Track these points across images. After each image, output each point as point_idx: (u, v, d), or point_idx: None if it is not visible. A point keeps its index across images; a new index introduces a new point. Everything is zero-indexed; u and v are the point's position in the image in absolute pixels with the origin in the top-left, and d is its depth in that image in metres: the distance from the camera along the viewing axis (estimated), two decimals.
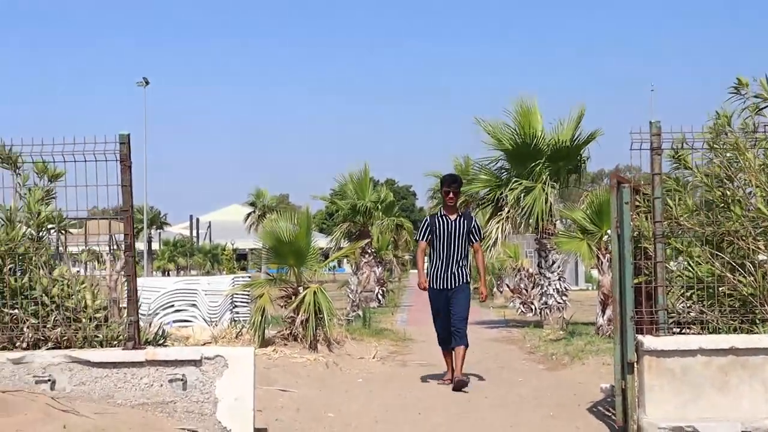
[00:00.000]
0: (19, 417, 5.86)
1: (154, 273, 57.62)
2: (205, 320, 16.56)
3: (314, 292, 12.55)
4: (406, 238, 36.59)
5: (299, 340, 12.39)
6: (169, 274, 59.29)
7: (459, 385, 9.27)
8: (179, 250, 68.81)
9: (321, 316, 12.44)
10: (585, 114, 17.88)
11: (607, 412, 7.72)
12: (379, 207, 29.17)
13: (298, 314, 12.50)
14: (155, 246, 67.26)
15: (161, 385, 6.45)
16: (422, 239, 9.94)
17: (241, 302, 17.95)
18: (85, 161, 6.55)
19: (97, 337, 6.75)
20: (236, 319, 16.58)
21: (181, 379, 6.43)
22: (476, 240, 9.95)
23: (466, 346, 9.65)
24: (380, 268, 29.14)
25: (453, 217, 9.76)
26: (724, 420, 6.34)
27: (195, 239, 72.13)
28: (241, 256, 64.83)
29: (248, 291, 17.24)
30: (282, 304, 13.06)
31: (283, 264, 13.54)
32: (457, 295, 9.65)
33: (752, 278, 6.97)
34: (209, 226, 78.02)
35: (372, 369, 11.39)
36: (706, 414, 6.40)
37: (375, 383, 10.03)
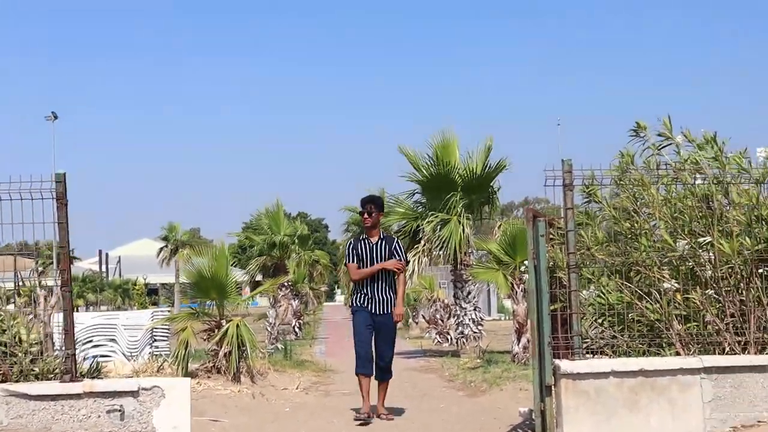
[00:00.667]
0: None
1: None
2: (124, 355, 16.54)
3: (237, 325, 12.71)
4: (320, 271, 36.87)
5: (222, 372, 12.51)
6: (78, 310, 58.12)
7: (383, 418, 9.28)
8: (88, 286, 67.67)
9: (244, 348, 12.61)
10: (493, 145, 18.44)
11: None
12: (295, 241, 29.41)
13: (221, 347, 12.63)
14: None
15: (99, 416, 6.60)
16: (351, 261, 9.47)
17: (161, 337, 17.95)
18: (21, 199, 6.70)
19: (33, 370, 6.88)
20: (156, 353, 16.60)
21: (119, 410, 6.60)
22: (399, 260, 9.47)
23: (390, 378, 9.58)
24: (297, 301, 29.29)
25: (374, 240, 9.46)
26: None
27: (104, 274, 71.09)
28: (152, 291, 64.10)
29: (167, 325, 17.33)
30: (205, 337, 13.17)
31: (205, 298, 13.67)
32: (385, 328, 9.39)
33: (658, 305, 7.48)
34: (119, 261, 76.95)
35: (297, 399, 11.61)
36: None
37: (302, 412, 10.25)
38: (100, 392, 6.65)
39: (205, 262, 13.08)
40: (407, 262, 10.84)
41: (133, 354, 16.60)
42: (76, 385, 6.65)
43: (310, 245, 34.77)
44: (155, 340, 17.78)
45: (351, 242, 9.84)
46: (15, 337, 6.98)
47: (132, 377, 9.45)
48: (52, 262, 54.27)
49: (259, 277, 28.17)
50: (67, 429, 6.56)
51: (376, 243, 9.45)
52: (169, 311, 21.74)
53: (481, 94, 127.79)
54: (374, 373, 9.36)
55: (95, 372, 7.43)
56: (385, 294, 9.35)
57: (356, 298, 9.47)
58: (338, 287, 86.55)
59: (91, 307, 65.80)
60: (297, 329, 28.60)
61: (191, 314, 13.77)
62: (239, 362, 12.49)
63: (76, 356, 6.88)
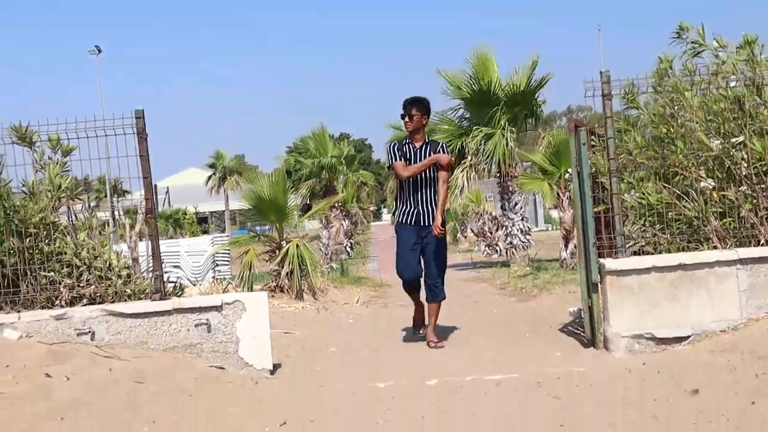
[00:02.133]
0: (69, 364, 6.71)
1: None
2: (189, 280, 17.40)
3: (297, 246, 13.43)
4: (368, 191, 37.59)
5: (286, 291, 13.28)
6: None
7: (432, 345, 8.52)
8: (131, 216, 69.13)
9: (304, 267, 13.33)
10: (539, 62, 18.79)
11: (576, 330, 8.74)
12: (342, 162, 30.05)
13: (282, 267, 13.38)
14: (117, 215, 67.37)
15: (188, 330, 7.32)
16: (398, 161, 8.54)
17: (222, 261, 18.84)
18: (106, 136, 7.35)
19: (126, 291, 7.58)
20: (218, 277, 17.45)
21: (206, 324, 7.30)
22: (442, 168, 8.57)
23: (443, 299, 8.80)
24: (347, 221, 30.06)
25: (419, 144, 8.61)
26: (676, 326, 7.36)
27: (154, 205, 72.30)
28: (201, 219, 65.35)
29: (228, 250, 18.15)
30: (266, 258, 13.91)
31: (265, 221, 14.40)
32: (433, 242, 8.52)
33: (696, 203, 7.96)
34: (167, 191, 78.26)
35: (358, 312, 12.35)
36: (662, 322, 7.42)
37: (365, 322, 10.99)
38: (188, 308, 7.36)
39: (264, 186, 13.74)
40: (451, 169, 9.91)
41: (197, 278, 17.47)
42: (166, 303, 7.36)
43: (356, 166, 35.39)
44: (217, 265, 18.67)
45: (395, 143, 8.80)
46: (107, 263, 7.67)
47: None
48: (105, 195, 55.76)
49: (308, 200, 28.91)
50: (161, 342, 7.29)
51: (421, 147, 8.58)
52: (228, 237, 22.54)
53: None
54: (426, 295, 8.81)
55: (179, 291, 8.14)
56: (433, 204, 8.49)
57: (401, 210, 8.61)
58: (384, 206, 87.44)
59: (143, 239, 67.52)
60: (349, 249, 29.45)
61: (253, 237, 14.52)
62: (301, 280, 13.22)
63: (164, 276, 7.57)
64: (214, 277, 17.52)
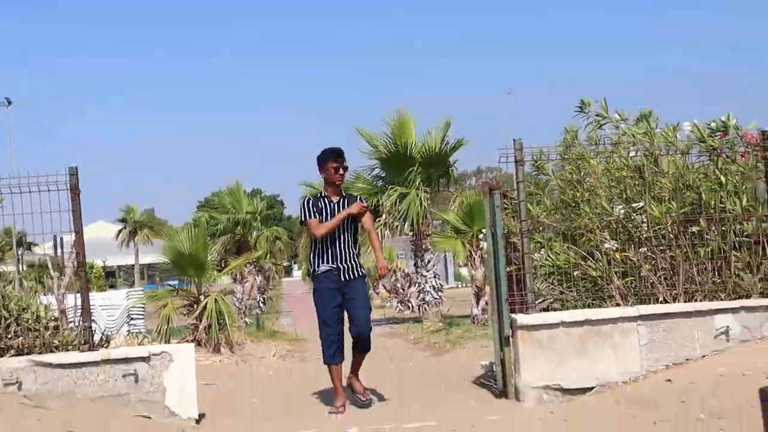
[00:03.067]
0: None
1: None
2: (103, 333, 17.33)
3: (215, 300, 13.63)
4: (280, 247, 37.75)
5: (203, 344, 13.42)
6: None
7: (366, 405, 8.22)
8: (46, 271, 67.82)
9: (222, 321, 13.53)
10: (451, 124, 19.46)
11: (488, 382, 9.17)
12: (257, 218, 30.22)
13: (200, 321, 13.55)
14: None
15: (116, 380, 7.50)
16: (311, 217, 7.99)
17: (137, 315, 18.79)
18: (39, 191, 7.55)
19: (54, 343, 7.73)
20: (133, 331, 17.43)
21: (133, 374, 7.50)
22: (359, 217, 8.16)
23: (369, 350, 8.36)
24: (261, 277, 30.15)
25: (336, 199, 8.09)
26: (583, 378, 7.86)
27: (60, 259, 71.08)
28: (109, 273, 64.37)
29: (143, 304, 18.16)
30: (184, 312, 14.05)
31: (184, 275, 14.54)
32: (356, 292, 8.02)
33: (600, 263, 8.54)
34: (73, 245, 76.71)
35: (276, 365, 12.59)
36: (570, 374, 7.90)
37: (283, 375, 11.25)
38: (116, 359, 7.54)
39: (184, 241, 13.92)
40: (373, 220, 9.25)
41: (111, 332, 17.40)
42: (94, 354, 7.54)
43: (269, 222, 35.59)
44: (132, 319, 18.62)
45: (309, 199, 8.17)
46: (34, 315, 7.82)
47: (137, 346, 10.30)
48: (10, 248, 54.62)
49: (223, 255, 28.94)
50: (89, 392, 7.44)
51: (338, 202, 8.08)
52: (141, 291, 22.48)
53: (435, 65, 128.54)
54: (354, 347, 8.28)
55: (105, 343, 8.31)
56: (352, 257, 8.04)
57: (318, 264, 8.00)
58: (295, 262, 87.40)
59: (48, 293, 66.22)
60: (262, 304, 29.48)
61: (171, 291, 14.64)
62: (219, 334, 13.40)
63: (92, 328, 7.75)
64: (129, 331, 17.47)
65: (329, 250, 8.02)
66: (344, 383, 8.31)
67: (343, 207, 8.08)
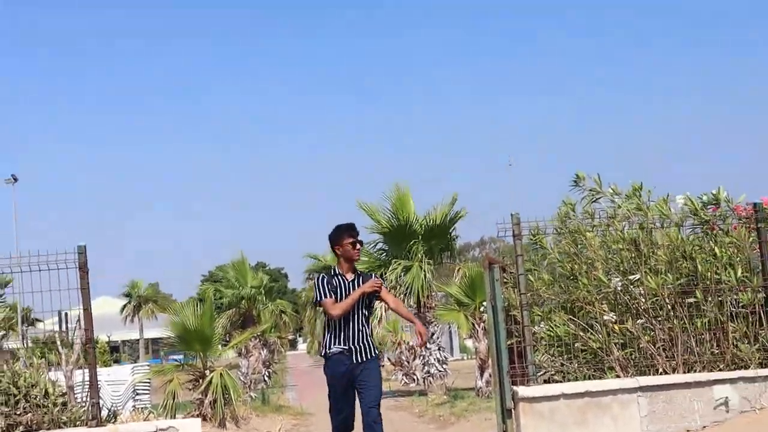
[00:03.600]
0: None
1: None
2: (108, 409, 17.38)
3: (221, 374, 13.75)
4: (285, 320, 37.83)
5: (209, 419, 13.51)
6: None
7: None
8: (50, 347, 67.76)
9: (227, 396, 13.62)
10: (457, 199, 19.77)
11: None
12: (262, 292, 30.42)
13: (206, 395, 13.65)
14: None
15: None
16: (326, 297, 7.51)
17: (143, 390, 18.84)
18: (48, 270, 7.77)
19: (62, 419, 7.86)
20: (138, 406, 17.48)
21: None
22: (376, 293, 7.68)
23: None
24: (266, 351, 30.20)
25: (351, 277, 7.62)
26: None
27: (65, 335, 71.02)
28: (113, 349, 64.27)
29: (149, 379, 18.25)
30: (190, 387, 14.15)
31: (189, 350, 14.66)
32: (370, 373, 7.50)
33: (599, 335, 8.69)
34: (78, 320, 76.75)
35: None
36: None
37: None
38: None
39: (190, 316, 14.09)
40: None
41: (116, 408, 17.45)
42: (103, 430, 7.67)
43: (274, 295, 35.76)
44: (137, 394, 18.67)
45: (323, 277, 7.71)
46: (43, 391, 7.97)
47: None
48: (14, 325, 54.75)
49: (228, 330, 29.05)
50: None
51: (353, 280, 7.61)
52: (147, 366, 22.55)
53: (430, 131, 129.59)
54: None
55: (113, 418, 8.43)
56: (365, 337, 7.56)
57: (330, 345, 7.55)
58: (300, 336, 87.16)
59: (51, 368, 66.07)
60: (267, 378, 29.48)
61: (176, 366, 14.77)
62: (224, 409, 13.49)
63: (99, 404, 7.89)
64: (134, 406, 17.51)
65: (342, 331, 7.51)
66: None
67: (359, 285, 7.56)
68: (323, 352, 7.63)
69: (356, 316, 7.54)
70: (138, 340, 63.33)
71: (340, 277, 7.62)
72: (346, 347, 7.48)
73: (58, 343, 9.09)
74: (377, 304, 17.42)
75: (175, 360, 16.78)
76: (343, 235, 7.70)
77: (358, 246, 7.72)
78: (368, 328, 7.68)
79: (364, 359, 7.49)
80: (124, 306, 62.10)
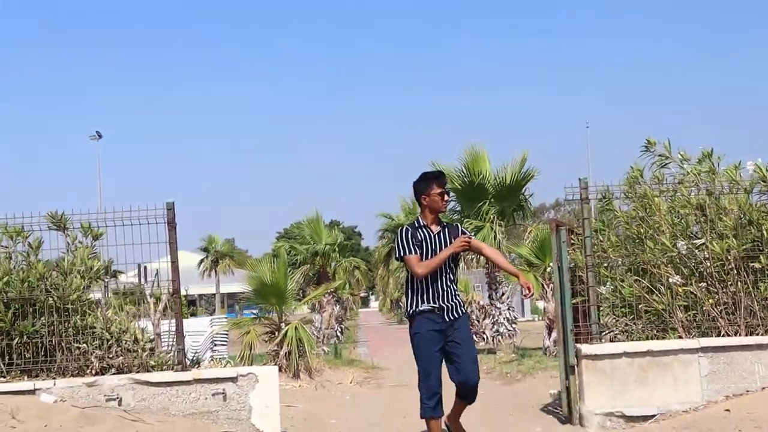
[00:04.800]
0: (100, 426, 7.52)
1: None
2: (193, 356, 18.15)
3: (295, 328, 14.27)
4: (358, 278, 38.46)
5: (283, 370, 14.03)
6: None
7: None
8: (130, 298, 69.77)
9: (302, 348, 14.15)
10: (528, 158, 19.86)
11: (555, 410, 9.56)
12: (336, 249, 30.97)
13: (281, 348, 14.19)
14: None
15: (206, 398, 8.14)
16: (411, 253, 6.92)
17: (221, 342, 19.57)
18: (140, 224, 8.30)
19: (150, 363, 8.43)
20: (216, 357, 18.18)
21: (222, 393, 8.13)
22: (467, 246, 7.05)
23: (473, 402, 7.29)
24: (339, 307, 30.82)
25: (436, 229, 7.04)
26: (644, 406, 8.23)
27: (148, 286, 72.97)
28: (190, 302, 65.88)
29: (227, 331, 18.94)
30: (266, 339, 14.71)
31: (266, 303, 15.23)
32: (461, 334, 6.97)
33: (664, 297, 8.91)
34: (157, 273, 78.75)
35: (353, 391, 13.13)
36: (631, 402, 8.28)
37: (360, 399, 11.79)
38: (206, 379, 8.21)
39: (267, 272, 14.63)
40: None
41: (196, 357, 18.18)
42: (187, 374, 8.21)
43: (347, 253, 36.33)
44: (215, 345, 19.39)
45: (407, 229, 7.06)
46: (132, 337, 8.54)
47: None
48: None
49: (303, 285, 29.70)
50: (181, 409, 8.10)
51: (439, 233, 7.03)
52: (226, 319, 23.30)
53: (515, 96, 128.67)
54: (457, 395, 7.24)
55: (196, 364, 8.98)
56: (454, 294, 7.03)
57: (417, 304, 6.96)
58: (372, 293, 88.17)
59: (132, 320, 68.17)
60: (339, 333, 30.11)
61: (254, 319, 15.35)
62: (298, 360, 14.01)
63: (185, 350, 8.43)
64: (212, 357, 18.21)
65: (430, 289, 6.91)
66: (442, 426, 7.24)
67: (445, 237, 6.98)
68: (410, 311, 6.99)
69: (444, 272, 6.94)
70: (214, 294, 64.78)
71: (425, 229, 7.02)
72: (436, 305, 6.90)
73: (147, 293, 9.62)
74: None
75: (251, 314, 17.34)
76: (431, 184, 7.10)
77: (446, 197, 7.08)
78: (456, 285, 7.10)
79: (456, 317, 6.93)
80: (201, 260, 63.47)
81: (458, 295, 7.10)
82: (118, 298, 9.06)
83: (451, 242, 6.95)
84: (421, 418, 7.12)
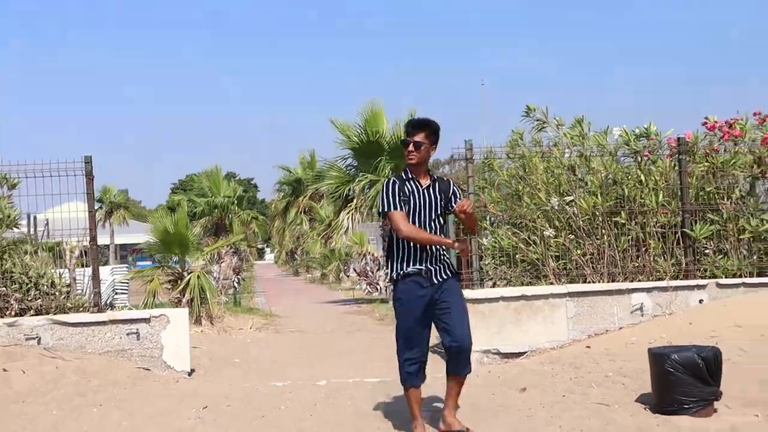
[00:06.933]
0: (22, 362, 8.14)
1: None
2: (107, 299, 18.57)
3: (198, 276, 14.92)
4: (254, 230, 39.07)
5: None
6: None
7: None
8: (22, 249, 68.60)
9: (203, 296, 14.81)
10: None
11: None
12: (234, 202, 31.54)
13: (184, 295, 14.83)
14: None
15: (120, 338, 8.82)
16: (397, 208, 6.04)
17: (121, 291, 20.01)
18: (59, 176, 8.88)
19: (67, 305, 9.04)
20: (117, 305, 18.65)
21: (136, 333, 8.82)
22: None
23: (469, 372, 6.42)
24: (236, 258, 31.42)
25: (425, 182, 6.21)
26: (518, 344, 9.27)
27: (32, 238, 71.80)
28: (83, 253, 65.13)
29: (127, 280, 19.41)
30: (169, 288, 15.32)
31: (169, 253, 15.82)
32: (452, 295, 6.16)
33: (538, 248, 9.95)
34: (47, 224, 77.44)
35: (254, 336, 13.92)
36: (506, 341, 9.31)
37: (261, 343, 12.58)
38: (121, 320, 8.88)
39: (169, 222, 15.20)
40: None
41: (109, 301, 18.61)
42: (103, 315, 8.87)
43: (244, 205, 36.88)
44: (116, 294, 19.83)
45: (394, 182, 6.19)
46: (50, 281, 9.13)
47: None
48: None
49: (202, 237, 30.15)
50: (97, 347, 8.76)
51: (428, 187, 6.22)
52: (127, 268, 23.69)
53: (408, 54, 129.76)
54: (448, 366, 6.38)
55: (109, 306, 9.62)
56: (444, 255, 6.25)
57: (402, 266, 6.12)
58: (268, 246, 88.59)
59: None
60: (236, 284, 30.77)
61: (156, 268, 15.92)
62: (200, 307, 14.69)
63: (100, 293, 9.07)
64: (113, 305, 18.67)
65: (416, 249, 6.12)
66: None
67: (434, 192, 6.16)
68: (393, 274, 6.19)
69: (432, 230, 6.16)
70: (108, 245, 64.28)
71: (413, 182, 6.19)
72: (423, 267, 6.10)
73: (63, 241, 10.16)
74: (345, 215, 18.41)
75: (145, 265, 17.82)
76: (404, 132, 6.32)
77: (410, 147, 6.14)
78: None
79: (445, 278, 6.15)
80: (95, 211, 62.66)
81: (447, 255, 6.29)
82: (35, 245, 9.56)
83: (441, 198, 6.17)
84: (401, 384, 6.39)
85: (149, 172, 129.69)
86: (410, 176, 6.18)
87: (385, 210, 6.08)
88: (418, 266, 6.05)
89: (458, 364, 6.29)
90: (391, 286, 6.40)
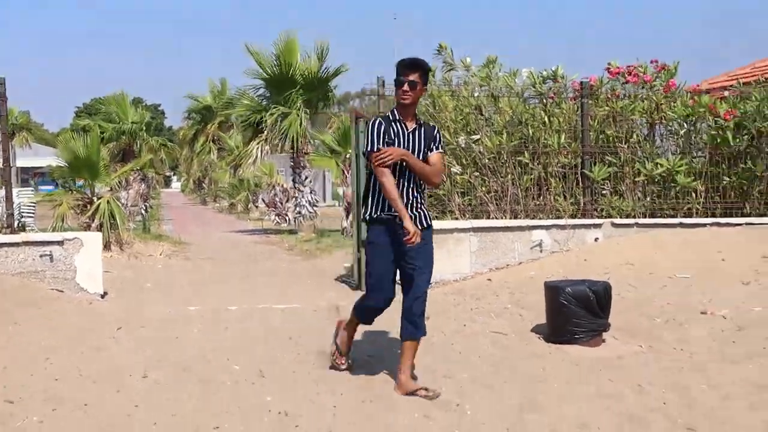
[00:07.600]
0: None
1: None
2: (20, 221, 18.36)
3: (108, 201, 14.92)
4: (162, 157, 38.67)
5: None
6: None
7: (432, 396, 5.82)
8: None
9: (113, 221, 14.84)
10: (328, 50, 20.69)
11: (347, 280, 10.94)
12: (143, 128, 31.13)
13: (93, 220, 14.83)
14: None
15: (34, 259, 8.92)
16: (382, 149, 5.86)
17: (27, 214, 19.80)
18: None
19: None
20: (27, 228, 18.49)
21: (49, 255, 8.93)
22: (437, 150, 6.02)
23: (422, 335, 6.11)
24: (144, 185, 31.18)
25: (411, 126, 6.04)
26: None
27: None
28: None
29: (34, 203, 19.21)
30: (78, 212, 15.28)
31: (78, 177, 15.74)
32: (423, 247, 5.98)
33: (445, 184, 10.35)
34: None
35: (164, 262, 14.06)
36: None
37: (172, 269, 12.77)
38: (34, 242, 8.96)
39: (80, 146, 15.10)
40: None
41: (22, 224, 18.40)
42: (16, 237, 8.94)
43: (152, 132, 36.42)
44: (22, 217, 19.62)
45: (380, 122, 6.01)
46: None
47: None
48: None
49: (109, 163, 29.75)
50: (10, 268, 8.84)
51: (414, 131, 6.05)
52: (32, 192, 23.36)
53: None
54: (402, 326, 6.10)
55: (22, 229, 9.68)
56: (419, 203, 6.07)
57: (376, 209, 6.04)
58: (175, 174, 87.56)
59: None
60: (144, 211, 30.60)
61: (66, 192, 15.83)
62: (110, 233, 14.73)
63: (13, 215, 9.13)
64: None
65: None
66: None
67: (419, 137, 6.00)
68: (367, 215, 6.13)
69: (410, 177, 6.00)
70: (11, 168, 62.80)
71: (399, 124, 6.02)
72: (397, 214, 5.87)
73: None
74: (255, 145, 18.44)
75: (48, 189, 17.65)
76: (397, 72, 6.05)
77: (405, 87, 5.89)
78: (423, 193, 6.22)
79: (419, 228, 5.88)
80: None
81: (424, 204, 6.17)
82: None
83: (422, 143, 6.01)
84: (355, 316, 6.41)
85: (51, 95, 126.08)
86: (398, 117, 6.01)
87: (370, 149, 5.90)
88: (392, 212, 5.88)
89: (414, 327, 6.09)
90: (363, 227, 5.89)
